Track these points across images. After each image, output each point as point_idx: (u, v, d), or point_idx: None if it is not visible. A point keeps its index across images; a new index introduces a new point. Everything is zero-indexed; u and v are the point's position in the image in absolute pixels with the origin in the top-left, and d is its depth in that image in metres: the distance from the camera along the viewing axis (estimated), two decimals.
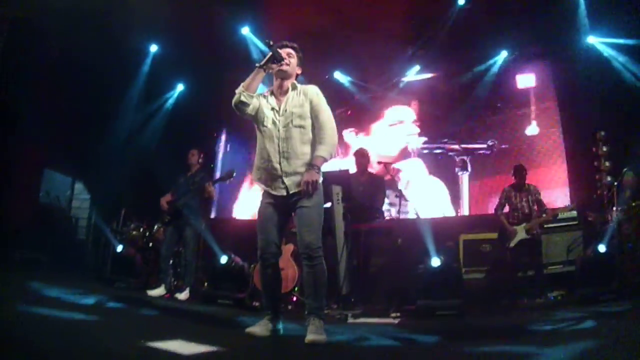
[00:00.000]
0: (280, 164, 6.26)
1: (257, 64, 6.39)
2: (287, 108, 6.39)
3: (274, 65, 6.42)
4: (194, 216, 11.29)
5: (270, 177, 6.34)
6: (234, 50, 15.88)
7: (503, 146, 15.39)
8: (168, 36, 15.63)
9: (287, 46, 6.64)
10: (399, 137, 16.83)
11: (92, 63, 14.29)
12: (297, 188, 6.20)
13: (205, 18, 14.49)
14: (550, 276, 11.54)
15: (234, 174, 11.23)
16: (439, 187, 15.84)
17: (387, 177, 12.26)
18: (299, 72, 6.71)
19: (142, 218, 13.83)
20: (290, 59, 6.54)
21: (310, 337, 5.77)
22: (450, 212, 15.42)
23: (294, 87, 6.56)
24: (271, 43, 6.30)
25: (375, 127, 17.28)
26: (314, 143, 6.36)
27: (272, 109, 6.45)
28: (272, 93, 6.61)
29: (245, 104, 6.35)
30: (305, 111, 6.38)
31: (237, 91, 6.36)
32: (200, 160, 11.86)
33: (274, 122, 6.38)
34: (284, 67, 6.44)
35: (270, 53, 6.33)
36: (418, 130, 16.65)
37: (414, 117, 16.88)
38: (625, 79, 13.25)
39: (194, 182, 11.42)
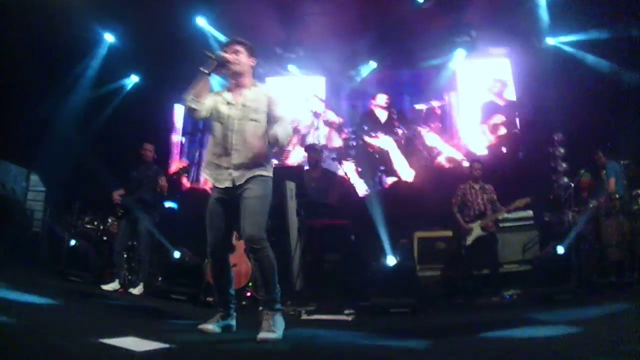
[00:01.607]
0: (230, 156, 6.21)
1: (201, 68, 6.27)
2: (245, 102, 6.34)
3: (224, 70, 6.42)
4: (148, 210, 11.21)
5: (218, 169, 6.31)
6: (190, 40, 15.76)
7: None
8: (123, 26, 15.48)
9: (233, 42, 6.57)
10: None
11: (44, 50, 14.17)
12: (243, 180, 6.17)
13: (160, 8, 14.37)
14: (505, 275, 11.60)
15: (189, 168, 11.15)
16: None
17: None
18: (253, 63, 6.60)
19: (97, 211, 13.68)
20: (239, 55, 6.46)
21: (261, 335, 5.77)
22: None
23: (254, 85, 6.52)
24: (208, 53, 6.26)
25: None
26: (266, 138, 6.30)
27: (228, 103, 6.39)
28: (228, 90, 6.55)
29: (196, 110, 6.32)
30: (261, 106, 6.34)
31: (186, 99, 6.29)
32: (154, 156, 11.76)
33: (229, 116, 6.32)
34: (235, 68, 6.41)
35: (215, 61, 6.27)
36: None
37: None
38: (583, 81, 13.34)
39: (147, 176, 11.34)
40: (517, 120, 15.19)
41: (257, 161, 6.23)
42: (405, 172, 15.67)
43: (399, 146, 15.89)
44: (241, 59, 6.46)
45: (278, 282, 6.21)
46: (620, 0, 12.68)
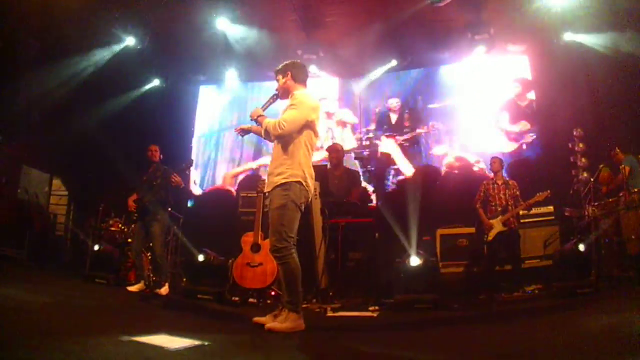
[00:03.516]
0: (271, 164, 6.82)
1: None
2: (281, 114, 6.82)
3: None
4: (161, 210, 11.19)
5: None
6: (211, 43, 15.80)
7: None
8: (144, 29, 15.49)
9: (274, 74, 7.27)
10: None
11: (69, 57, 14.29)
12: (270, 188, 6.66)
13: (182, 11, 14.36)
14: (527, 270, 11.60)
15: (192, 163, 11.30)
16: None
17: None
18: (289, 78, 7.09)
19: (121, 214, 13.73)
20: (278, 82, 7.15)
21: (270, 324, 6.19)
22: None
23: (292, 95, 6.99)
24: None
25: None
26: (297, 149, 6.66)
27: None
28: None
29: None
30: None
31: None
32: (160, 157, 11.75)
33: None
34: (280, 93, 7.18)
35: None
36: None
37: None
38: (602, 76, 13.30)
39: (156, 177, 11.32)
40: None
41: (280, 168, 6.61)
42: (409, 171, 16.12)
43: (402, 149, 16.12)
44: (280, 84, 7.11)
45: (300, 285, 6.47)
46: None
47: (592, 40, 14.04)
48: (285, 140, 6.64)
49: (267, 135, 6.86)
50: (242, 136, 7.60)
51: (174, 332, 5.43)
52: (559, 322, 6.83)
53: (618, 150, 11.57)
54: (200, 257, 11.57)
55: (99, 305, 8.22)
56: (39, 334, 4.90)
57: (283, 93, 7.09)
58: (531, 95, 15.61)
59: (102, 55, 15.74)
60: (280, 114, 6.81)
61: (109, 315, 7.21)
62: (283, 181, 6.48)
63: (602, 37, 13.79)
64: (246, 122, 7.58)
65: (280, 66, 7.16)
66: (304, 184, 6.55)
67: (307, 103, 6.78)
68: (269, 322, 6.32)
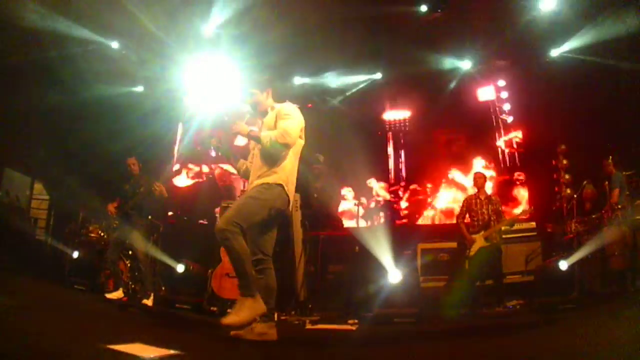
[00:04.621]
0: (252, 175, 6.70)
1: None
2: (263, 127, 6.78)
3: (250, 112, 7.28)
4: (142, 218, 11.13)
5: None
6: (196, 51, 15.75)
7: None
8: (128, 36, 15.41)
9: (248, 90, 7.07)
10: None
11: (51, 61, 14.21)
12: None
13: (168, 18, 14.31)
14: (509, 286, 11.59)
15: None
16: None
17: None
18: (268, 93, 7.03)
19: (101, 220, 13.67)
20: (254, 97, 6.96)
21: (223, 320, 6.05)
22: None
23: (272, 108, 6.93)
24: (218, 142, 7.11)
25: None
26: (284, 158, 6.62)
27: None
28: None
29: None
30: (272, 124, 6.66)
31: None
32: (140, 167, 11.68)
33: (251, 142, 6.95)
34: (258, 108, 6.99)
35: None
36: None
37: None
38: (585, 92, 13.30)
39: (139, 186, 11.26)
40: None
41: (264, 173, 6.54)
42: None
43: None
44: (257, 99, 6.96)
45: (250, 267, 6.27)
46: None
47: (575, 49, 14.04)
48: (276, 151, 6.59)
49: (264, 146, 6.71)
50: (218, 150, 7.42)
51: (149, 341, 5.36)
52: (540, 337, 6.82)
53: (610, 162, 11.49)
54: (180, 268, 11.51)
55: (76, 311, 8.16)
56: (14, 339, 4.84)
57: (261, 108, 7.00)
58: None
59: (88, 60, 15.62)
60: (262, 128, 6.77)
61: (85, 322, 7.13)
62: (263, 182, 6.46)
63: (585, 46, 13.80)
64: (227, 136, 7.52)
65: (259, 79, 7.13)
66: (285, 188, 6.51)
67: (297, 113, 6.76)
68: (248, 333, 6.25)
